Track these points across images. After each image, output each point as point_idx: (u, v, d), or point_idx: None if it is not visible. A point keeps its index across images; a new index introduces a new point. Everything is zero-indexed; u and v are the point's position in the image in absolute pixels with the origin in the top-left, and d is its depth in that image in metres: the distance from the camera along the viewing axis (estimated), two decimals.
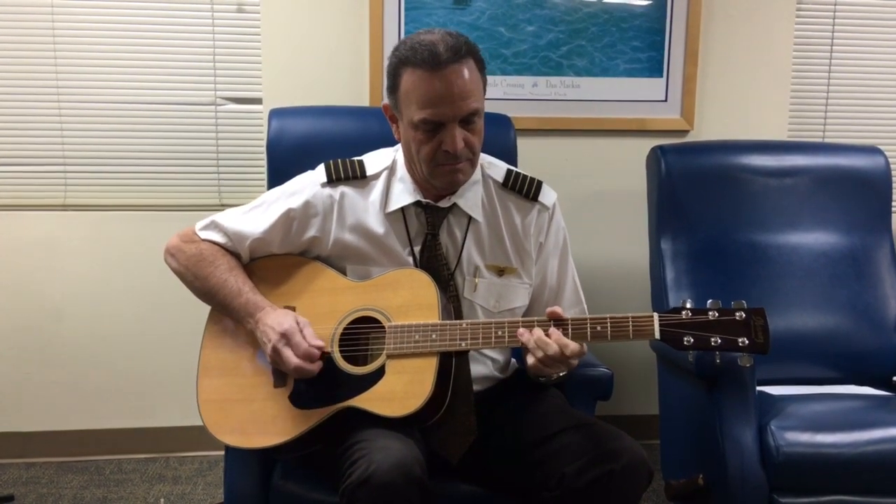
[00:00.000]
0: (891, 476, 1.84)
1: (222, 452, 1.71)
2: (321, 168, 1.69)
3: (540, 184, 1.72)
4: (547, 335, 1.45)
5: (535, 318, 1.51)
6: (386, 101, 1.64)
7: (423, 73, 1.51)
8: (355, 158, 1.71)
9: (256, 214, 1.68)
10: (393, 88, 1.58)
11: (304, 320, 1.56)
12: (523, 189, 1.70)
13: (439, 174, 1.59)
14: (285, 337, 1.51)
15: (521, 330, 1.48)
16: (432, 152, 1.55)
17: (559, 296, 1.75)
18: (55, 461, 2.71)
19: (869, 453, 1.83)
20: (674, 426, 2.31)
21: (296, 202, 1.66)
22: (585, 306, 1.77)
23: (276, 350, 1.51)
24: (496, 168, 1.73)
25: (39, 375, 2.69)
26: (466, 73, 1.53)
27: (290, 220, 1.66)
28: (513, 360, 1.82)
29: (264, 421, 1.56)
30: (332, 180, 1.67)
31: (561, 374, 1.59)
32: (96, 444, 2.73)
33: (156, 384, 2.71)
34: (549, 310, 1.48)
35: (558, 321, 1.47)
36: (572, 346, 1.44)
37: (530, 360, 1.49)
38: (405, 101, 1.55)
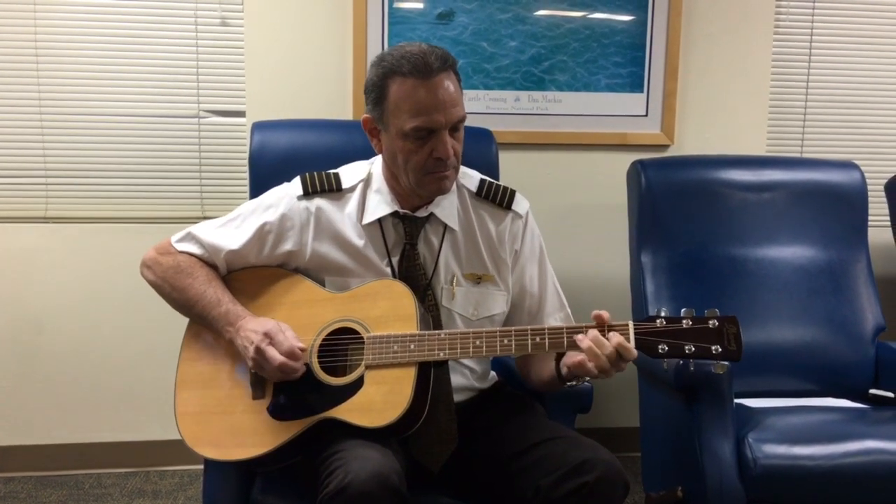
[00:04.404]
0: (866, 488, 1.86)
1: (202, 466, 1.70)
2: (297, 181, 1.70)
3: (513, 193, 1.74)
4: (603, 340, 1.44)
5: (513, 328, 1.52)
6: (367, 114, 1.64)
7: (414, 82, 1.52)
8: (331, 171, 1.71)
9: (232, 227, 1.68)
10: (379, 100, 1.58)
11: (285, 325, 1.56)
12: (497, 198, 1.72)
13: (428, 182, 1.59)
14: (268, 336, 1.52)
15: (579, 336, 1.45)
16: (423, 161, 1.56)
17: (542, 302, 1.76)
18: (34, 475, 2.69)
19: (845, 465, 1.84)
20: (653, 439, 2.32)
21: (271, 216, 1.66)
22: (569, 311, 1.79)
23: (259, 350, 1.51)
24: (469, 178, 1.74)
25: (18, 388, 2.67)
26: (452, 83, 1.56)
27: (266, 235, 1.66)
28: (492, 371, 1.83)
29: (242, 433, 1.56)
30: (308, 193, 1.67)
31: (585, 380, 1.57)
32: (76, 459, 2.71)
33: (136, 398, 2.70)
34: (594, 313, 1.47)
35: (535, 330, 1.49)
36: (633, 351, 1.43)
37: (583, 365, 1.47)
38: (394, 111, 1.56)
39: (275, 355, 1.50)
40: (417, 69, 1.52)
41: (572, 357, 1.51)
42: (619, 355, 1.43)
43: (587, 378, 1.54)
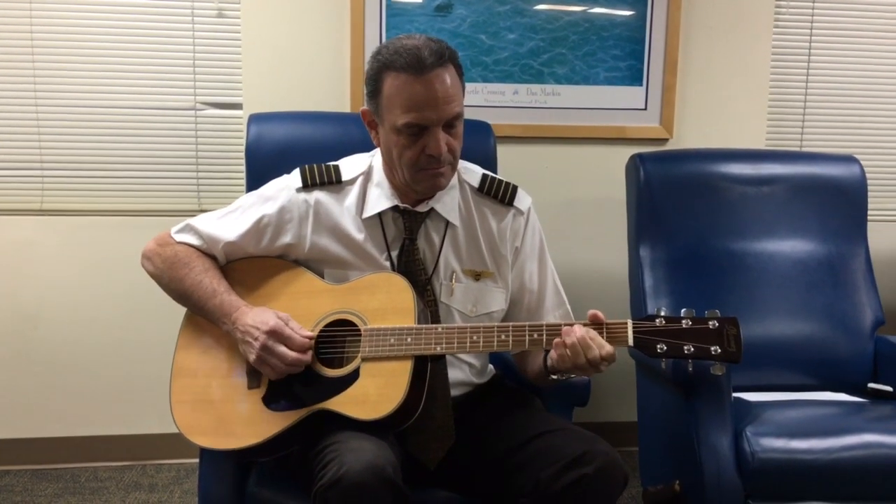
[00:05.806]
0: (864, 482, 1.85)
1: (198, 460, 1.69)
2: (297, 173, 1.69)
3: (515, 188, 1.73)
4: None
5: (511, 324, 1.51)
6: (365, 106, 1.63)
7: (407, 78, 1.51)
8: (331, 163, 1.70)
9: (231, 219, 1.67)
10: (374, 93, 1.57)
11: (286, 315, 1.55)
12: (499, 194, 1.71)
13: (421, 178, 1.58)
14: (275, 334, 1.51)
15: (565, 328, 1.46)
16: (415, 157, 1.55)
17: (542, 299, 1.75)
18: (30, 469, 2.68)
19: (843, 459, 1.84)
20: (651, 433, 2.31)
21: (270, 209, 1.66)
22: (569, 307, 1.78)
23: (267, 348, 1.50)
24: (472, 173, 1.73)
25: (14, 382, 2.66)
26: (449, 77, 1.53)
27: (264, 227, 1.65)
28: (490, 365, 1.82)
29: (237, 422, 1.55)
30: (308, 185, 1.66)
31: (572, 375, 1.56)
32: (72, 452, 2.71)
33: (132, 391, 2.69)
34: (590, 313, 1.47)
35: (532, 326, 1.49)
36: (608, 347, 1.43)
37: (560, 361, 1.47)
38: (388, 106, 1.55)
39: (287, 353, 1.50)
40: (410, 65, 1.50)
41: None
42: (588, 344, 1.42)
43: (572, 375, 1.53)
